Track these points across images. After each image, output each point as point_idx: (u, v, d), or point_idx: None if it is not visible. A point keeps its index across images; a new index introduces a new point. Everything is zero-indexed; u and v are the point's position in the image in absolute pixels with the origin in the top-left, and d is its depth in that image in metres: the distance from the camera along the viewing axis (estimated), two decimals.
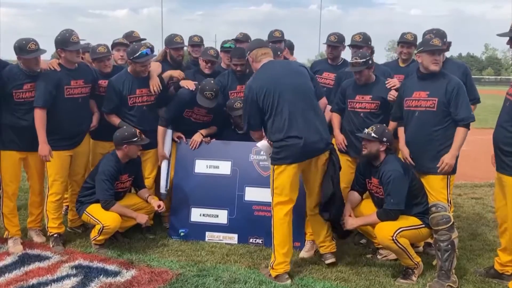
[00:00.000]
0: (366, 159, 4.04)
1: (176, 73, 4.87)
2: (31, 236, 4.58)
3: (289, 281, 3.76)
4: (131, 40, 5.18)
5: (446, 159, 3.82)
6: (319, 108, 3.95)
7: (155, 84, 4.64)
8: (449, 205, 3.82)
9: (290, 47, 5.57)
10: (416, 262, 3.83)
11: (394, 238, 3.67)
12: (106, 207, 4.30)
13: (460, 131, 3.82)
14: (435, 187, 3.88)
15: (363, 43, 4.82)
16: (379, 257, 4.26)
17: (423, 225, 3.79)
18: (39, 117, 4.11)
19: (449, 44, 4.30)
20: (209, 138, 4.86)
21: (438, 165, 3.84)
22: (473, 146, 4.10)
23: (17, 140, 4.22)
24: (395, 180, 3.75)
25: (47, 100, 4.13)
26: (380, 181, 3.86)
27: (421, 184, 3.92)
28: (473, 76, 4.60)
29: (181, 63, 5.14)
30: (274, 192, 3.80)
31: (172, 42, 5.02)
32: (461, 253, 4.37)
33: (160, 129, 4.72)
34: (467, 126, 3.82)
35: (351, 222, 3.98)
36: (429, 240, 4.31)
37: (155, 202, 4.56)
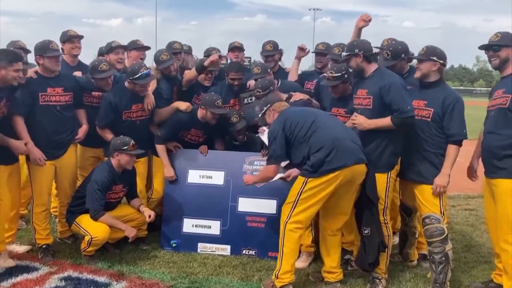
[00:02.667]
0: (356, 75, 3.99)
1: (184, 106, 4.70)
2: (14, 250, 4.42)
3: None
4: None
5: (438, 181, 3.73)
6: None
7: (150, 103, 4.60)
8: (442, 217, 3.78)
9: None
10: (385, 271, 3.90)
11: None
12: (95, 217, 4.24)
13: (450, 148, 3.72)
14: (428, 198, 3.82)
15: (326, 51, 4.96)
16: (349, 268, 4.25)
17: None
18: (18, 124, 4.05)
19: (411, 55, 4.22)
20: (206, 147, 4.81)
21: (432, 188, 3.77)
22: (466, 157, 4.06)
23: None
24: (397, 89, 3.68)
25: (21, 107, 4.06)
26: (378, 91, 3.74)
27: None
28: (465, 88, 4.62)
29: (176, 78, 4.94)
30: (299, 202, 3.66)
31: (159, 61, 4.78)
32: (455, 265, 4.34)
33: (159, 147, 4.67)
34: (457, 143, 3.72)
35: (364, 122, 3.79)
36: (424, 252, 4.30)
37: (146, 212, 4.51)
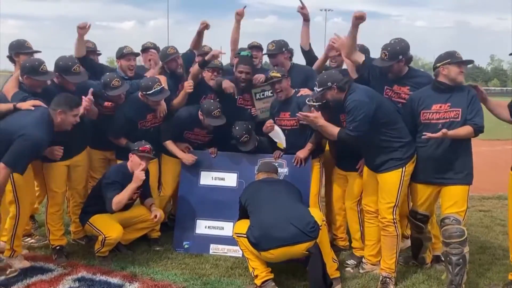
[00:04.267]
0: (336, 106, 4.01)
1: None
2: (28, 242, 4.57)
3: None
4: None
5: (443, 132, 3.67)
6: None
7: (162, 111, 4.63)
8: (463, 219, 3.71)
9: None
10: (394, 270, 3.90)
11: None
12: (110, 208, 4.27)
13: (468, 128, 3.65)
14: (454, 198, 3.74)
15: (276, 51, 4.81)
16: (361, 271, 4.23)
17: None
18: None
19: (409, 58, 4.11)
20: (215, 149, 4.82)
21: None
22: (480, 158, 4.01)
23: None
24: (355, 107, 3.73)
25: None
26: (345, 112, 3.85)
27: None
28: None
29: (181, 76, 4.97)
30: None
31: (165, 55, 4.87)
32: (470, 267, 4.27)
33: (167, 143, 4.69)
34: (476, 131, 3.66)
35: (316, 118, 3.94)
36: (437, 253, 4.25)
37: (154, 212, 4.53)
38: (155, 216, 4.51)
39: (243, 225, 3.87)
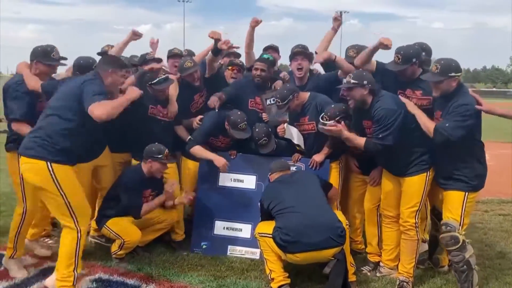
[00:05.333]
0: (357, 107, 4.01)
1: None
2: (33, 248, 4.47)
3: None
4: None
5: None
6: None
7: (172, 112, 4.64)
8: (460, 225, 3.65)
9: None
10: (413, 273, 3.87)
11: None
12: (138, 215, 4.34)
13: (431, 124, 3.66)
14: (449, 203, 3.75)
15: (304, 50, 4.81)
16: (378, 274, 4.19)
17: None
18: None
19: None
20: (235, 151, 4.82)
21: None
22: (498, 161, 3.95)
23: None
24: (385, 116, 3.72)
25: None
26: (373, 120, 3.82)
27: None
28: (498, 89, 4.45)
29: (199, 87, 4.92)
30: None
31: (182, 69, 4.79)
32: (489, 272, 4.23)
33: (195, 149, 4.64)
34: (435, 132, 3.61)
35: (341, 131, 3.94)
36: None
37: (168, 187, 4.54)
38: (171, 183, 4.54)
39: (268, 226, 3.85)
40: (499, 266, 4.45)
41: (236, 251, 4.60)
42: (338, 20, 4.81)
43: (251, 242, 4.58)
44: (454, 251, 3.58)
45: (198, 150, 4.64)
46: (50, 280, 3.79)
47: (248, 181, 4.73)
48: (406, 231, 3.92)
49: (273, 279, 3.77)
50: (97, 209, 4.74)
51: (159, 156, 4.33)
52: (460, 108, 3.53)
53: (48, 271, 4.11)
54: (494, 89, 67.70)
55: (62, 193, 3.47)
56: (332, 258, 3.64)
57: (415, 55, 3.89)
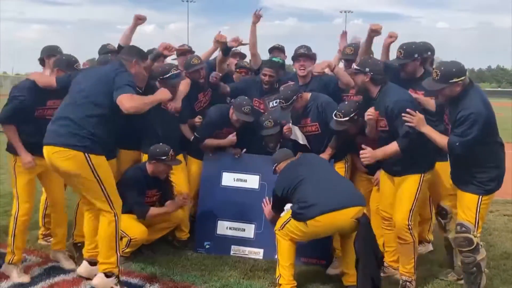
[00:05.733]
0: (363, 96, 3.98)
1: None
2: (59, 259, 4.32)
3: None
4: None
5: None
6: None
7: (174, 107, 4.59)
8: (475, 227, 3.57)
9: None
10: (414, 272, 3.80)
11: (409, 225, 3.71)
12: (143, 216, 4.32)
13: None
14: (465, 204, 3.64)
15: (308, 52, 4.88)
16: (382, 274, 4.14)
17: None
18: None
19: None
20: (239, 150, 4.83)
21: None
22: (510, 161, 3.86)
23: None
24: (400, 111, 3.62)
25: None
26: (385, 113, 3.74)
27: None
28: (503, 89, 4.39)
29: (204, 86, 4.96)
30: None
31: (189, 65, 4.84)
32: (494, 273, 4.21)
33: (206, 141, 4.76)
34: (449, 149, 3.50)
35: (372, 155, 3.78)
36: None
37: (179, 197, 4.52)
38: (182, 196, 4.51)
39: (285, 214, 3.81)
40: (504, 266, 4.43)
41: (239, 251, 4.60)
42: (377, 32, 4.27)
43: (254, 242, 4.58)
44: (466, 252, 3.53)
45: (208, 142, 4.74)
46: (82, 268, 3.88)
47: (252, 181, 4.72)
48: (400, 235, 3.85)
49: (280, 284, 3.72)
50: None
51: (164, 157, 4.33)
52: (467, 119, 3.36)
53: (53, 270, 4.15)
54: (499, 88, 67.45)
55: (98, 179, 3.52)
56: (355, 222, 3.55)
57: (418, 51, 3.90)
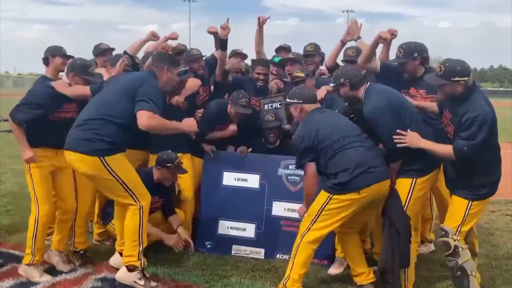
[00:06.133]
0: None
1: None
2: (54, 261, 4.22)
3: None
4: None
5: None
6: None
7: (177, 100, 4.57)
8: (457, 231, 3.48)
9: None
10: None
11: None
12: None
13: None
14: (453, 210, 3.58)
15: (315, 52, 5.10)
16: None
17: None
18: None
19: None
20: (245, 148, 4.80)
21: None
22: (505, 161, 3.83)
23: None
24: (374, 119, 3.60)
25: None
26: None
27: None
28: (505, 89, 4.33)
29: (205, 77, 5.01)
30: (319, 218, 3.63)
31: (189, 55, 4.92)
32: (496, 273, 4.20)
33: (208, 137, 4.75)
34: (456, 154, 3.39)
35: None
36: None
37: (182, 234, 4.41)
38: (185, 241, 4.41)
39: (314, 207, 3.65)
40: (506, 266, 4.42)
41: (240, 251, 4.60)
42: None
43: (255, 242, 4.58)
44: (448, 257, 3.48)
45: (211, 135, 4.75)
46: (113, 259, 3.98)
47: (252, 180, 4.71)
48: None
49: (285, 285, 3.66)
50: (96, 211, 4.78)
51: (169, 164, 4.27)
52: (474, 121, 3.27)
53: (54, 270, 4.15)
54: (501, 88, 67.32)
55: (117, 177, 3.58)
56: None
57: (417, 50, 3.89)
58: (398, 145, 3.53)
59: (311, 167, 3.67)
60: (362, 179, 3.51)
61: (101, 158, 3.51)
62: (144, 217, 3.71)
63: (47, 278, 3.96)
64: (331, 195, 3.57)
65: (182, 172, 4.43)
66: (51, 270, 4.14)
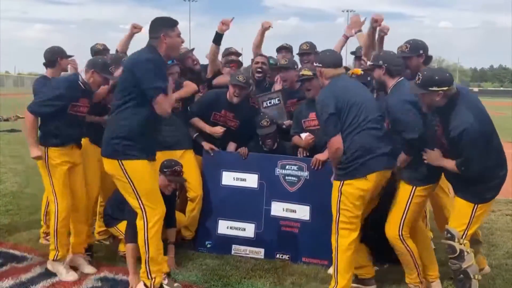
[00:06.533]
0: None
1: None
2: (78, 264, 4.18)
3: None
4: None
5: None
6: None
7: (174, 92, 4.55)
8: (463, 234, 3.43)
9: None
10: (420, 279, 3.67)
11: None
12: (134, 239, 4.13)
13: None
14: (456, 211, 3.53)
15: (310, 51, 5.04)
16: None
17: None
18: None
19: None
20: (246, 150, 4.74)
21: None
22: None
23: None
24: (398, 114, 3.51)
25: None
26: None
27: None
28: (505, 89, 4.29)
29: (199, 72, 5.08)
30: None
31: (180, 55, 4.83)
32: (496, 272, 4.20)
33: (193, 120, 4.78)
34: (461, 170, 3.36)
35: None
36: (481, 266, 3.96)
37: (169, 258, 4.11)
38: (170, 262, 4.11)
39: (333, 197, 3.60)
40: (506, 266, 4.41)
41: (240, 251, 4.59)
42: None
43: (255, 242, 4.57)
44: (451, 259, 3.47)
45: (196, 122, 4.77)
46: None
47: (251, 180, 4.67)
48: (394, 246, 3.74)
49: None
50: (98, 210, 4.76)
51: (165, 170, 4.18)
52: (460, 138, 3.23)
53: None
54: (501, 88, 67.31)
55: (131, 183, 3.46)
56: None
57: (423, 48, 3.86)
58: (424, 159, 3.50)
59: (337, 141, 3.50)
60: (372, 163, 3.47)
61: (119, 161, 3.46)
62: (149, 234, 3.49)
63: (73, 276, 3.98)
64: (343, 180, 3.54)
65: (179, 181, 4.33)
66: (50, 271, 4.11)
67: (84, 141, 4.26)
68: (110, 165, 3.54)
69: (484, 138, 3.31)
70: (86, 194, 4.27)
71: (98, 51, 5.07)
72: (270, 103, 4.90)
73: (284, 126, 4.81)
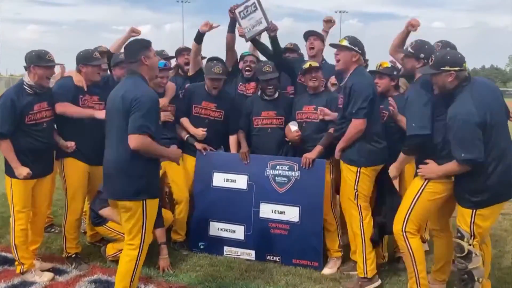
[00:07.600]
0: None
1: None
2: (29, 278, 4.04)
3: None
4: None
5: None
6: None
7: (161, 104, 4.38)
8: (471, 236, 3.35)
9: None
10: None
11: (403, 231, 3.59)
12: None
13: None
14: (461, 212, 3.46)
15: (294, 48, 5.28)
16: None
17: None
18: None
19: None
20: (246, 153, 4.66)
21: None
22: None
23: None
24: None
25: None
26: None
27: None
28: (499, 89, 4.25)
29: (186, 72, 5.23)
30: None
31: (178, 52, 5.27)
32: (496, 272, 4.20)
33: (183, 120, 4.78)
34: (463, 166, 3.29)
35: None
36: None
37: (161, 259, 4.26)
38: (163, 270, 4.20)
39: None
40: (498, 265, 4.44)
41: (232, 252, 4.58)
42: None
43: (245, 244, 4.54)
44: (458, 258, 3.45)
45: (183, 121, 4.79)
46: None
47: (240, 181, 4.61)
48: (397, 242, 3.74)
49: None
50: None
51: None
52: (454, 123, 3.18)
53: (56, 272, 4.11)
54: None
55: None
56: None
57: (424, 52, 3.59)
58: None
59: (361, 123, 3.81)
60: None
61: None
62: (140, 262, 3.43)
63: (48, 276, 4.00)
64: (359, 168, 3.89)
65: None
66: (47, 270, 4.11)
67: None
68: None
69: (480, 130, 3.16)
70: (71, 206, 4.26)
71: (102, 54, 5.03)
72: (247, 11, 4.78)
73: (272, 34, 4.78)
